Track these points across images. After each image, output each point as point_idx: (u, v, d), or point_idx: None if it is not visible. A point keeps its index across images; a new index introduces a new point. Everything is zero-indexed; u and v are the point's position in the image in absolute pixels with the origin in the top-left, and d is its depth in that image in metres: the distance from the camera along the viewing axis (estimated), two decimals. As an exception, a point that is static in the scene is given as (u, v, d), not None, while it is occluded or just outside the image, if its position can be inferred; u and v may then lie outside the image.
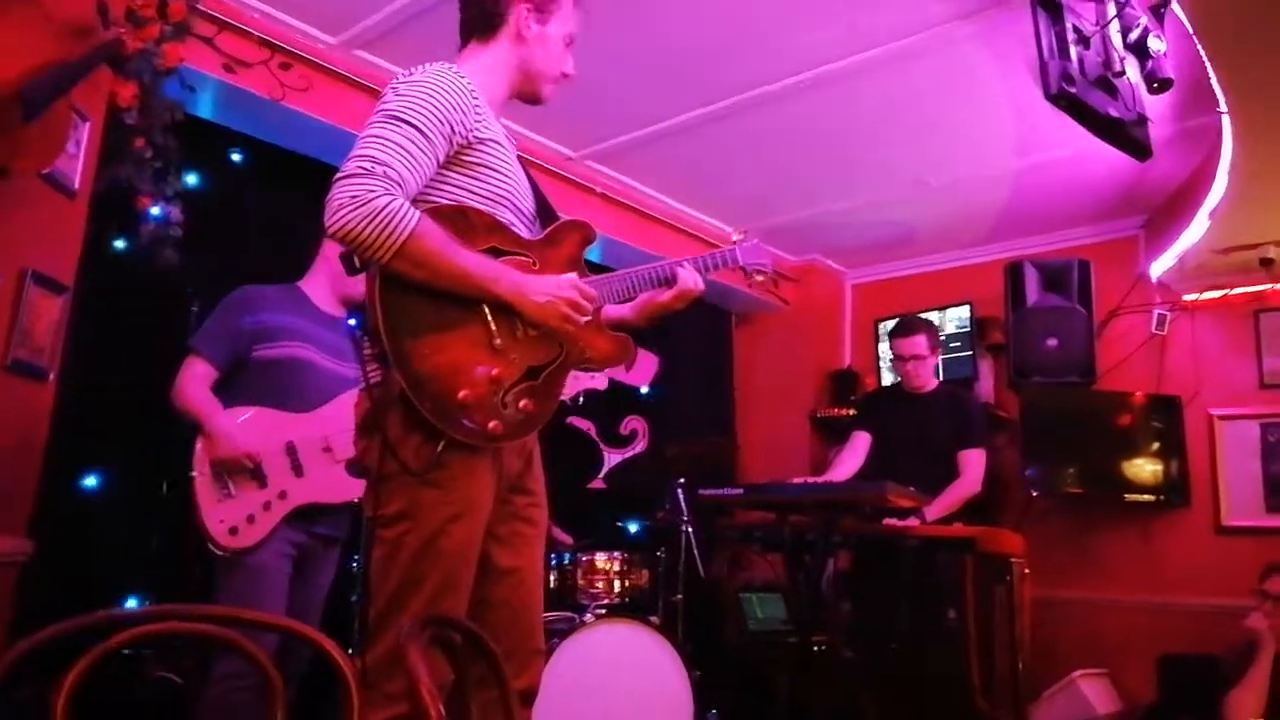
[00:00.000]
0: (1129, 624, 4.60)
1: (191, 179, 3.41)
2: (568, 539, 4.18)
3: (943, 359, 5.35)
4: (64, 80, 2.16)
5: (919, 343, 4.08)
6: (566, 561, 3.68)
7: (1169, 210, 4.65)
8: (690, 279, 2.05)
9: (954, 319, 5.42)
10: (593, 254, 4.87)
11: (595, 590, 3.64)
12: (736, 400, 6.12)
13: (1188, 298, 4.80)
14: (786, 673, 3.88)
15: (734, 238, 2.31)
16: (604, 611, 3.45)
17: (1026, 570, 3.74)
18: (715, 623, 4.67)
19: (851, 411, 5.13)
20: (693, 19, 3.35)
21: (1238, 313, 4.68)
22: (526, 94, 2.03)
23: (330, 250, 2.89)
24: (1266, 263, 4.29)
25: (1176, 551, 4.63)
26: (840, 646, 3.98)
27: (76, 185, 2.55)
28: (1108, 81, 2.44)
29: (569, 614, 3.52)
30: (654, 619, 3.58)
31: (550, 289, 1.82)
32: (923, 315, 4.94)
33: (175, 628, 1.10)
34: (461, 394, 1.71)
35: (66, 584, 2.97)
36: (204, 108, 3.45)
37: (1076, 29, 2.38)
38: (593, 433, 5.19)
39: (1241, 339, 4.66)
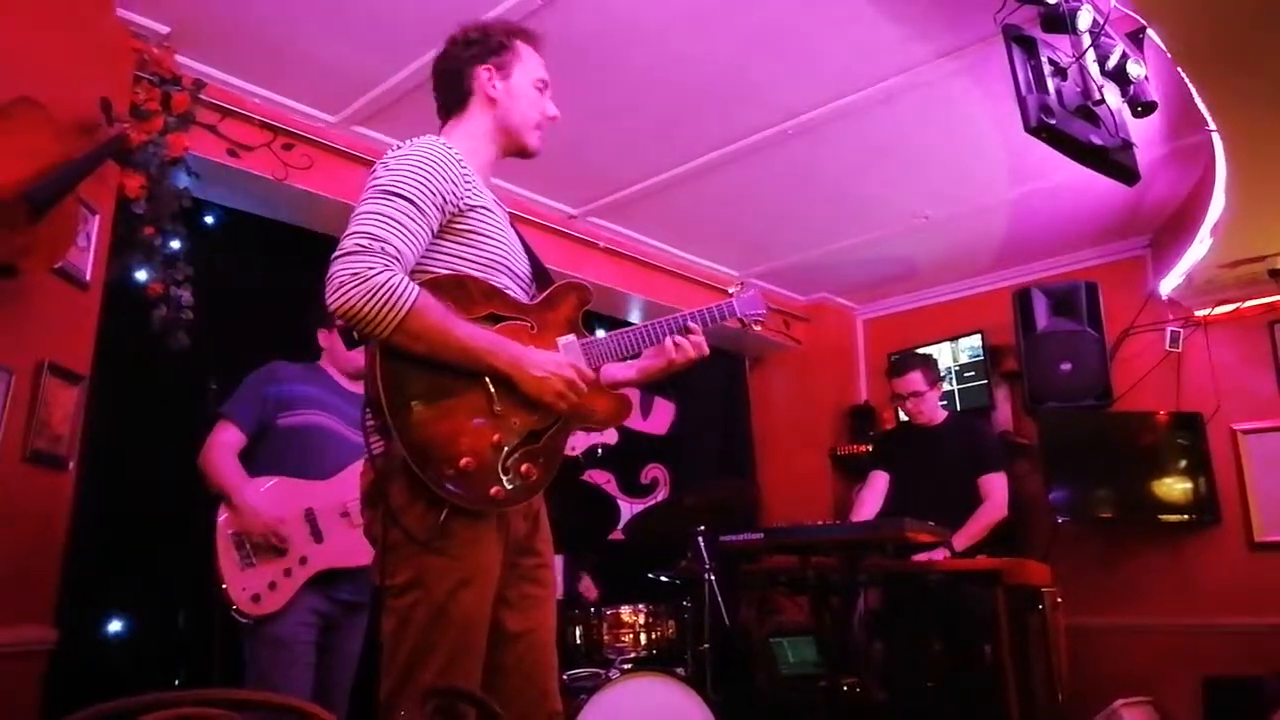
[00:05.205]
0: (1167, 647, 4.50)
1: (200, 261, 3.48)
2: (593, 594, 4.15)
3: (958, 389, 5.34)
4: (69, 178, 2.24)
5: (914, 379, 4.11)
6: (592, 615, 3.65)
7: (1173, 228, 4.64)
8: (691, 346, 2.07)
9: (966, 349, 5.42)
10: (600, 307, 4.94)
11: (622, 644, 3.59)
12: (756, 442, 6.11)
13: (1200, 313, 4.76)
14: (820, 717, 3.82)
15: (730, 290, 2.32)
16: (630, 665, 3.41)
17: (1059, 599, 3.69)
18: (745, 670, 4.61)
19: (870, 448, 5.11)
20: (681, 74, 3.42)
21: (1252, 325, 4.64)
22: (513, 148, 2.05)
23: (324, 340, 3.10)
24: (1276, 274, 4.26)
25: (1210, 571, 4.55)
26: (874, 688, 3.91)
27: (88, 277, 2.63)
28: (1088, 110, 2.46)
29: (595, 669, 3.50)
30: (680, 670, 3.55)
31: (548, 366, 1.83)
32: (923, 350, 4.94)
33: (182, 713, 1.11)
34: (463, 461, 1.72)
35: (94, 673, 2.99)
36: (211, 191, 3.53)
37: (1052, 61, 2.41)
38: (612, 484, 5.19)
39: (1258, 351, 4.61)
